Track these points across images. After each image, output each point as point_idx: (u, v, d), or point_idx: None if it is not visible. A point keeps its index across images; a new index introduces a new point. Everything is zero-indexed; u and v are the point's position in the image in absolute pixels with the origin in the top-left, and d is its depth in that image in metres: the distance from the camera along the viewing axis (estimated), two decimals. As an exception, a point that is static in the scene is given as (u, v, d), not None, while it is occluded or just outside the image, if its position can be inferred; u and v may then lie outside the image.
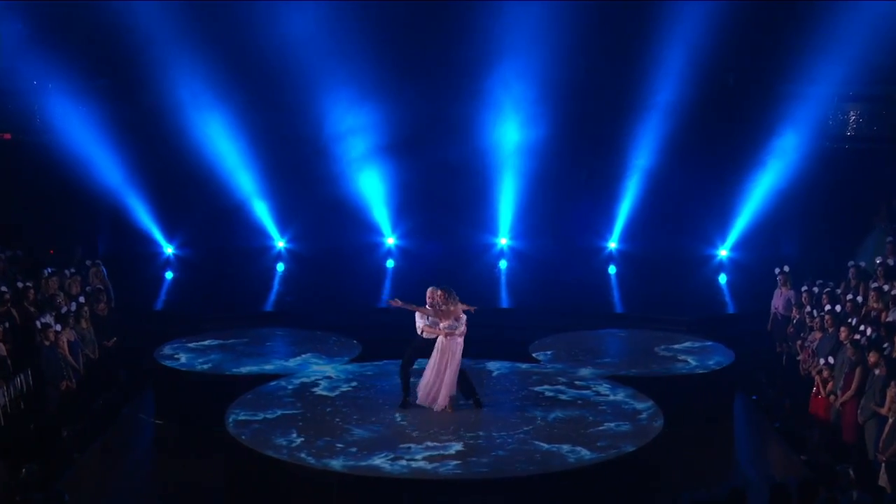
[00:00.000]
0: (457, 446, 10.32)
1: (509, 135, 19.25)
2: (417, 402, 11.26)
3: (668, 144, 18.56)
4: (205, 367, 13.32)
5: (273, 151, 19.11)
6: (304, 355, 13.84)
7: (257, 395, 11.96)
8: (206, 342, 14.40)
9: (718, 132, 18.53)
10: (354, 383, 12.49)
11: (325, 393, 12.11)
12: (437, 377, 11.10)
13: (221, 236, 19.36)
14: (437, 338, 11.22)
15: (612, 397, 11.96)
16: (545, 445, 10.38)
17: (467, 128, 19.07)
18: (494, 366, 13.32)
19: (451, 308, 11.11)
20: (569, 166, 19.26)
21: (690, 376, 13.19)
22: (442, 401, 11.14)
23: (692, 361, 13.71)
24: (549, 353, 14.06)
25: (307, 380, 12.66)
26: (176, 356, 13.74)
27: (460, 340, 11.13)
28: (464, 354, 11.50)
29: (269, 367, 13.30)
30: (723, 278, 18.90)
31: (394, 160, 19.30)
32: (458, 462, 9.95)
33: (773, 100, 18.07)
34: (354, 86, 18.65)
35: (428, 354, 11.35)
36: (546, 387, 12.36)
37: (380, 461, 9.91)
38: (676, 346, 14.35)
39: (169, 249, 19.53)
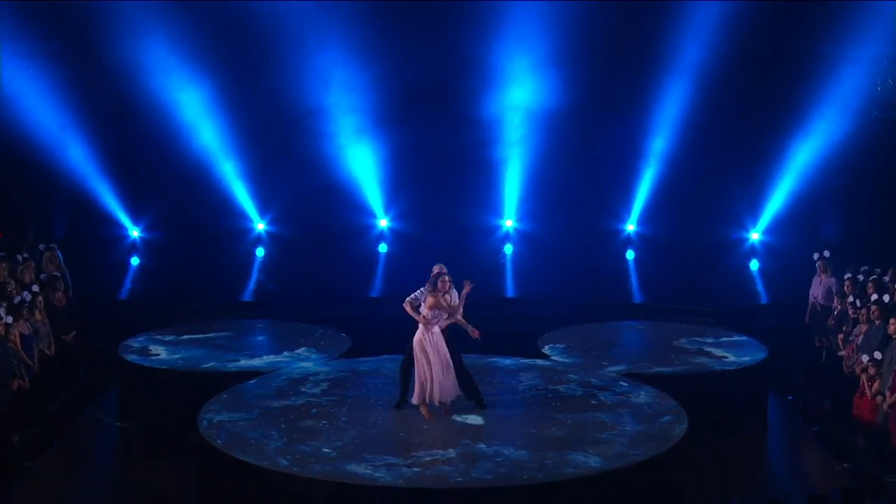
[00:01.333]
0: (457, 452, 10.25)
1: (515, 106, 19.20)
2: (413, 401, 11.21)
3: (694, 114, 18.50)
4: (175, 363, 13.28)
5: (252, 123, 19.09)
6: (286, 350, 13.82)
7: (234, 395, 11.93)
8: (176, 336, 14.37)
9: (751, 101, 18.45)
10: (343, 381, 12.44)
11: (310, 392, 12.06)
12: (428, 373, 11.05)
13: (194, 217, 19.35)
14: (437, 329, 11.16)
15: (629, 397, 11.92)
16: (555, 451, 10.30)
17: (469, 98, 19.05)
18: (499, 362, 13.30)
19: (444, 298, 11.04)
20: (582, 140, 19.25)
21: (718, 374, 13.17)
22: (439, 397, 11.08)
23: (720, 357, 13.68)
24: (560, 347, 14.05)
25: (290, 377, 12.62)
26: (142, 351, 13.70)
27: (437, 331, 11.05)
28: (465, 350, 11.43)
29: (247, 364, 13.27)
30: (755, 264, 18.89)
31: (386, 134, 19.31)
32: (459, 469, 9.88)
33: (812, 64, 17.97)
34: (342, 49, 18.60)
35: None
36: (556, 385, 12.34)
37: (371, 469, 9.86)
38: (702, 341, 14.34)
39: (135, 232, 19.50)
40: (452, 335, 11.37)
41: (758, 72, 18.39)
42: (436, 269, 11.34)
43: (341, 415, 11.30)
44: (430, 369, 11.03)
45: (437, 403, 11.14)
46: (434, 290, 11.11)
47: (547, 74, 18.73)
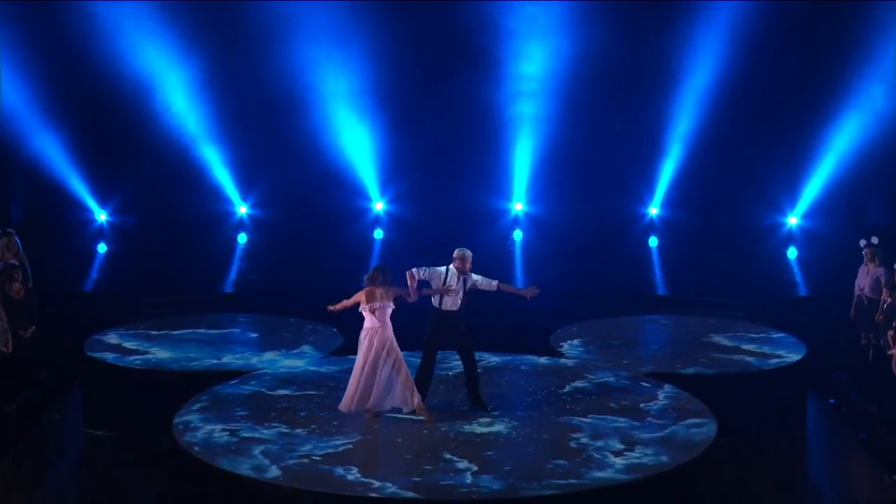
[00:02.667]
0: (462, 459, 10.24)
1: (526, 75, 19.16)
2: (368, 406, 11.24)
3: (726, 85, 18.46)
4: (147, 362, 13.25)
5: (232, 96, 19.10)
6: (271, 348, 13.83)
7: (213, 397, 11.91)
8: (148, 331, 14.36)
9: (790, 70, 18.41)
10: (333, 382, 12.41)
11: (297, 393, 12.02)
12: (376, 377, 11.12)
13: (168, 200, 19.37)
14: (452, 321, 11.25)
15: (652, 399, 11.89)
16: (569, 458, 10.27)
17: (473, 67, 19.02)
18: (507, 361, 13.28)
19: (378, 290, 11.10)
20: (600, 113, 19.22)
21: (751, 374, 13.14)
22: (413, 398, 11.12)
23: (753, 356, 13.66)
24: (574, 344, 14.06)
25: (276, 378, 12.61)
26: (111, 349, 13.67)
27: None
28: (468, 346, 11.51)
29: (228, 363, 13.26)
30: (792, 252, 18.86)
31: (382, 107, 19.31)
32: (464, 479, 9.86)
33: (859, 29, 17.90)
34: (334, 13, 18.57)
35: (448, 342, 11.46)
36: (571, 386, 12.32)
37: (366, 479, 9.82)
38: (734, 337, 14.32)
39: (102, 216, 19.49)
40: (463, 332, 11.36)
41: (798, 37, 18.31)
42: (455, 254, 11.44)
43: (333, 419, 11.27)
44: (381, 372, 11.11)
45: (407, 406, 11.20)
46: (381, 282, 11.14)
47: (561, 38, 18.68)
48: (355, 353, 13.09)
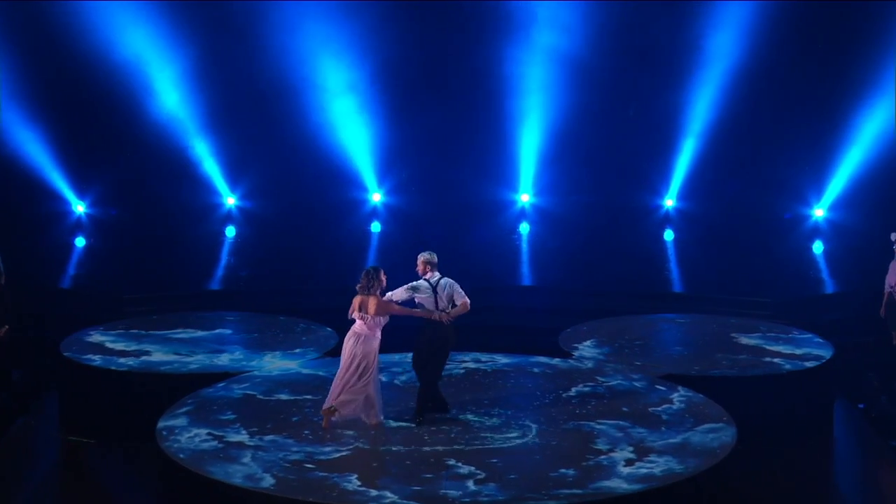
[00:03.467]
0: (466, 467, 10.23)
1: (533, 57, 19.13)
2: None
3: (748, 69, 18.44)
4: (129, 363, 13.24)
5: (219, 81, 19.12)
6: (262, 348, 13.84)
7: (200, 401, 11.90)
8: (130, 331, 14.36)
9: (815, 55, 18.38)
10: (328, 385, 12.32)
11: (289, 397, 12.03)
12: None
13: (151, 191, 19.38)
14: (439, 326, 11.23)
15: (667, 404, 11.88)
16: (579, 467, 10.27)
17: (476, 50, 19.02)
18: (514, 362, 13.26)
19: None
20: (612, 98, 19.20)
21: (774, 377, 13.12)
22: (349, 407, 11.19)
23: (776, 357, 13.64)
24: (585, 344, 14.07)
25: (267, 380, 12.61)
26: (89, 350, 13.66)
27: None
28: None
29: (215, 364, 13.25)
30: (818, 247, 18.84)
31: (380, 93, 19.27)
32: (467, 488, 9.86)
33: (886, 18, 17.90)
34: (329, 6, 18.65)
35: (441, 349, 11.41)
36: (581, 389, 12.32)
37: (363, 488, 9.81)
38: (755, 338, 14.32)
39: (80, 208, 19.48)
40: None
41: (825, 22, 18.31)
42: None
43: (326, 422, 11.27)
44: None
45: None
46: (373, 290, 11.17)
47: (571, 16, 18.66)
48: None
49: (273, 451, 10.57)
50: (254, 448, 10.65)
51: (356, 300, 11.25)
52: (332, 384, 11.24)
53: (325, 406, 11.18)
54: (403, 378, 12.43)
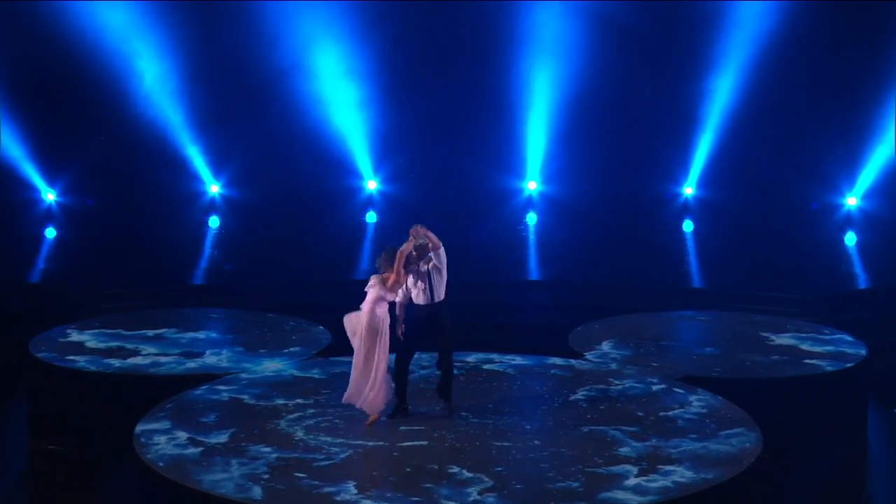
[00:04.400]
0: (469, 477, 10.21)
1: (540, 35, 19.09)
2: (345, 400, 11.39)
3: (774, 47, 18.40)
4: (104, 364, 13.22)
5: (203, 61, 19.12)
6: (248, 347, 13.84)
7: (181, 405, 11.89)
8: (106, 330, 14.35)
9: (847, 35, 18.34)
10: (321, 387, 12.43)
11: (279, 401, 12.02)
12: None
13: (128, 178, 19.35)
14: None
15: (688, 408, 11.88)
16: (592, 476, 10.25)
17: (479, 26, 19.00)
18: (521, 363, 13.26)
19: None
20: (626, 78, 19.15)
21: (802, 379, 13.11)
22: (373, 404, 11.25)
23: (805, 358, 13.63)
24: (597, 343, 14.06)
25: (254, 382, 12.60)
26: (62, 349, 13.65)
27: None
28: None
29: (198, 365, 13.25)
30: (851, 238, 18.81)
31: (376, 72, 19.26)
32: (468, 498, 9.82)
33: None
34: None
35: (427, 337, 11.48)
36: (592, 392, 12.31)
37: (359, 497, 9.79)
38: (782, 336, 14.30)
39: (50, 196, 19.44)
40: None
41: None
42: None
43: (320, 428, 11.26)
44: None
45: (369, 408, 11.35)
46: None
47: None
48: (344, 354, 13.11)
49: (261, 459, 10.55)
50: (240, 455, 10.63)
51: (377, 280, 11.21)
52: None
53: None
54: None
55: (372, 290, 11.28)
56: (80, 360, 13.31)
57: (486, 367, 13.02)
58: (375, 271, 11.43)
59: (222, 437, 11.05)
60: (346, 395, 11.38)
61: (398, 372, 11.51)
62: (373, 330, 11.26)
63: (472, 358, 13.35)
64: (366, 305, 11.29)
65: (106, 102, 18.93)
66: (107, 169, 19.30)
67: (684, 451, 10.75)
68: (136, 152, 19.32)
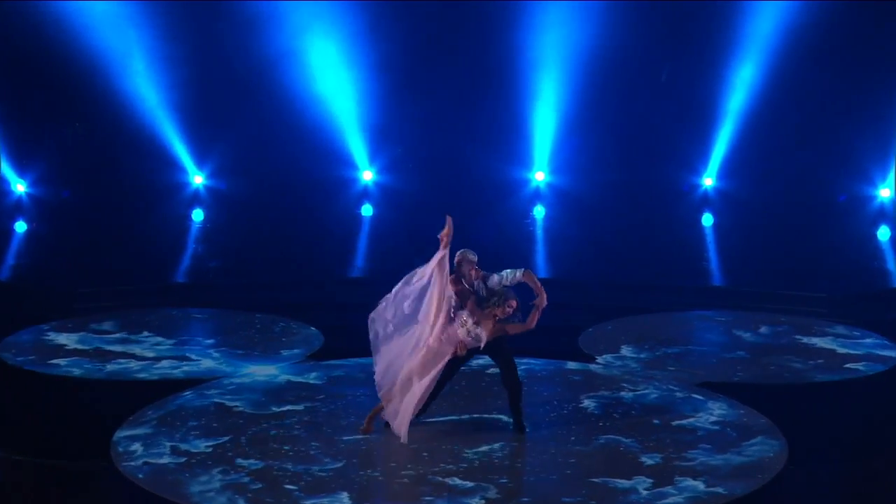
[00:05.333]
0: (472, 490, 10.21)
1: (548, 11, 19.10)
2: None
3: (802, 28, 18.42)
4: (79, 368, 13.23)
5: (189, 41, 19.12)
6: (235, 350, 13.85)
7: (163, 412, 11.90)
8: (81, 331, 14.40)
9: (879, 11, 18.33)
10: (314, 393, 12.44)
11: (269, 408, 12.05)
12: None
13: (104, 167, 19.34)
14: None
15: (706, 416, 11.89)
16: (604, 488, 10.25)
17: (482, 4, 18.93)
18: (527, 367, 13.27)
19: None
20: (641, 61, 19.16)
21: (831, 385, 13.16)
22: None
23: (834, 362, 13.64)
24: (609, 346, 14.10)
25: (241, 387, 12.62)
26: (33, 352, 13.68)
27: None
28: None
29: (180, 369, 13.27)
30: (884, 232, 18.80)
31: (372, 54, 19.24)
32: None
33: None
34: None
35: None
36: (604, 398, 12.32)
37: (350, 513, 9.82)
38: (810, 338, 14.35)
39: (20, 187, 19.46)
40: None
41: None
42: (458, 257, 11.39)
43: (311, 438, 11.27)
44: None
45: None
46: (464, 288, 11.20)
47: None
48: (339, 357, 13.13)
49: (248, 469, 10.55)
50: (225, 466, 10.62)
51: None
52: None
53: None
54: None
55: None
56: (52, 364, 13.34)
57: (489, 371, 13.01)
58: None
59: (206, 447, 11.05)
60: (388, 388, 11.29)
61: (439, 383, 11.42)
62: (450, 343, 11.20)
63: (474, 362, 13.35)
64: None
65: (80, 86, 18.91)
66: (81, 158, 19.30)
67: (703, 463, 10.77)
68: (114, 140, 19.34)
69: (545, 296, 11.21)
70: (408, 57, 19.34)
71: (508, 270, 11.27)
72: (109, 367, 13.33)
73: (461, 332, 11.14)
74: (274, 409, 12.02)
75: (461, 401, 12.13)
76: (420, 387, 11.13)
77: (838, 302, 16.02)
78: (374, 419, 11.38)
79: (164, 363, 13.43)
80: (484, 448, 11.05)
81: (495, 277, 11.29)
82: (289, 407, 12.06)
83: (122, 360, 13.49)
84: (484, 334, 11.13)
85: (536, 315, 11.24)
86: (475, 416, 11.71)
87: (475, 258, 11.38)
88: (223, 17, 19.02)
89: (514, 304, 11.23)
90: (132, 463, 10.71)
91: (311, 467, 10.64)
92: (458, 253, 11.37)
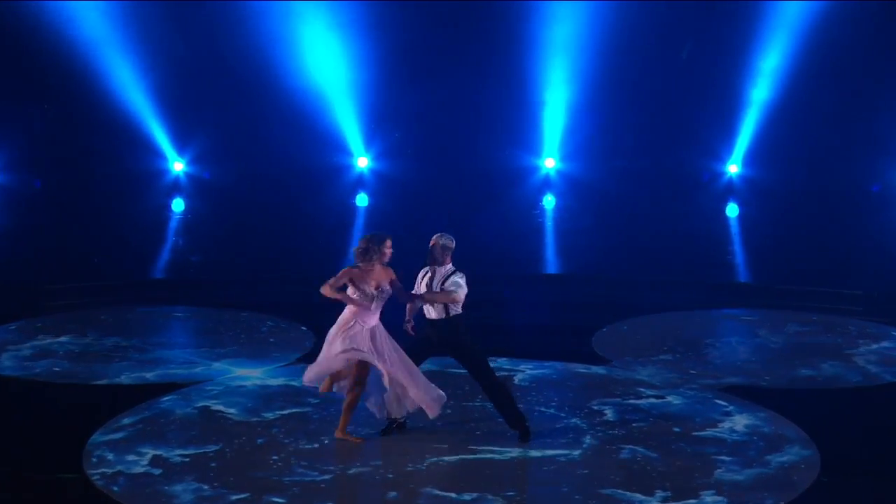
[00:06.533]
0: (473, 496, 10.19)
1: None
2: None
3: (833, 8, 18.38)
4: (48, 371, 13.25)
5: (170, 22, 19.20)
6: (218, 351, 13.89)
7: (140, 420, 11.88)
8: (51, 331, 14.43)
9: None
10: (303, 397, 12.42)
11: (255, 415, 12.04)
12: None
13: (77, 154, 19.38)
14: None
15: (732, 424, 11.87)
16: (616, 498, 10.24)
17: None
18: (536, 370, 13.29)
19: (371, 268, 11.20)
20: (659, 40, 19.16)
21: (869, 390, 13.14)
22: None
23: (871, 365, 13.64)
24: (625, 347, 14.16)
25: (224, 392, 12.63)
26: None
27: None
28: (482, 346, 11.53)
29: (159, 373, 13.27)
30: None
31: (369, 32, 19.37)
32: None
33: None
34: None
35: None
36: (619, 404, 12.33)
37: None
38: (845, 339, 14.37)
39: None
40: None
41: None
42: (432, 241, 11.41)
43: (301, 448, 11.25)
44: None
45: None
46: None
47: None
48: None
49: (231, 482, 10.53)
50: (207, 478, 10.61)
51: (348, 273, 11.17)
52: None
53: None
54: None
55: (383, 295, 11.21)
56: (20, 366, 13.34)
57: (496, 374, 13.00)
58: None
59: (186, 457, 11.03)
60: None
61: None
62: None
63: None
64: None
65: (51, 68, 18.93)
66: (53, 145, 19.30)
67: (728, 476, 10.74)
68: (88, 125, 19.35)
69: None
70: (406, 33, 19.35)
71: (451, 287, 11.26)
72: (80, 370, 13.33)
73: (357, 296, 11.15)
74: (262, 415, 12.01)
75: (463, 406, 12.10)
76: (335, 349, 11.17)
77: (875, 300, 16.03)
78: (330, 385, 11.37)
79: (140, 366, 13.43)
80: (488, 459, 11.02)
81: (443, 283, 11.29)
82: (277, 413, 12.04)
83: (95, 363, 13.48)
84: (371, 284, 11.12)
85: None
86: (479, 427, 11.66)
87: (453, 245, 11.37)
88: None
89: (388, 242, 11.24)
90: (105, 470, 10.70)
91: (298, 479, 10.62)
92: (441, 237, 11.36)
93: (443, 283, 11.27)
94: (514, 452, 11.13)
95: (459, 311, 11.33)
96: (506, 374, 13.04)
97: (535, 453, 11.15)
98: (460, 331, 11.38)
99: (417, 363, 11.47)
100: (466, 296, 11.38)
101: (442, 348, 11.48)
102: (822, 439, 11.42)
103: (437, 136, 19.77)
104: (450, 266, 11.35)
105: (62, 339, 14.20)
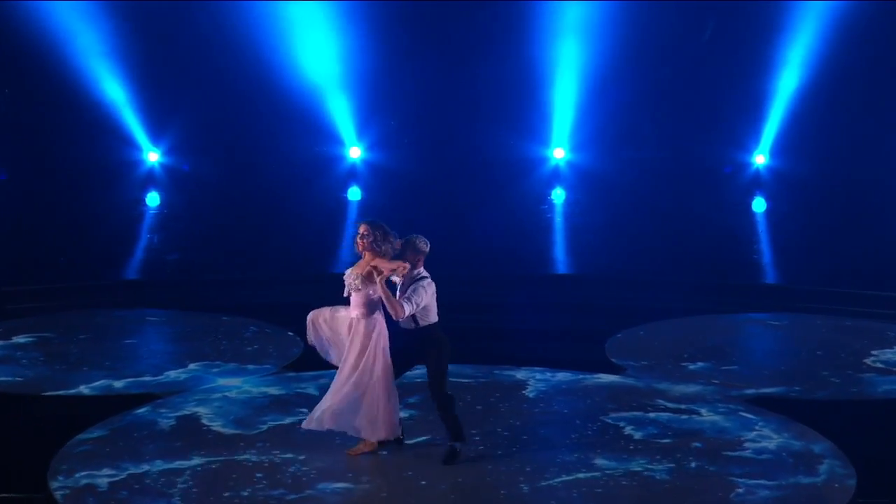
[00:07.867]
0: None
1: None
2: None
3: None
4: (9, 382, 13.26)
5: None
6: (197, 359, 13.92)
7: (110, 433, 11.89)
8: (12, 338, 14.48)
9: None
10: (291, 408, 12.43)
11: (237, 428, 12.04)
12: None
13: (43, 145, 19.34)
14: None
15: (759, 437, 11.88)
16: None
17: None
18: (542, 377, 13.31)
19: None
20: (679, 20, 19.18)
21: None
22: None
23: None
24: (641, 354, 14.19)
25: (204, 403, 12.64)
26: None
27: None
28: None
29: (131, 382, 13.29)
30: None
31: (360, 14, 19.45)
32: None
33: None
34: None
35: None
36: (635, 417, 12.35)
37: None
38: (882, 346, 14.43)
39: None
40: None
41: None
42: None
43: (287, 462, 11.24)
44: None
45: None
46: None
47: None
48: (319, 367, 13.08)
49: (212, 499, 10.52)
50: (186, 496, 10.60)
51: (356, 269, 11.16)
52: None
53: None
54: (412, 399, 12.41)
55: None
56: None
57: (499, 383, 13.00)
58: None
59: (161, 474, 11.01)
60: (323, 414, 11.29)
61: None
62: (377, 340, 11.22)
63: (480, 373, 13.34)
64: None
65: (12, 50, 18.93)
66: (17, 135, 19.32)
67: (754, 496, 10.72)
68: (55, 113, 19.36)
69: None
70: (402, 12, 19.35)
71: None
72: (45, 380, 13.35)
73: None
74: (245, 428, 12.01)
75: (465, 425, 12.08)
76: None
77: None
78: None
79: (114, 374, 13.44)
80: (490, 479, 11.01)
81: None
82: (261, 426, 12.05)
83: (62, 372, 13.49)
84: (354, 273, 11.16)
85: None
86: (482, 440, 11.66)
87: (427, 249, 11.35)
88: None
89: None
90: (73, 486, 10.68)
91: (284, 497, 10.61)
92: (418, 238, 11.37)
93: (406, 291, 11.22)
94: (517, 467, 11.12)
95: (431, 321, 11.27)
96: (511, 382, 13.05)
97: (542, 472, 11.10)
98: (429, 343, 11.28)
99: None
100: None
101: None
102: (857, 456, 11.39)
103: (435, 124, 19.80)
104: (420, 270, 11.29)
105: (23, 346, 14.19)
